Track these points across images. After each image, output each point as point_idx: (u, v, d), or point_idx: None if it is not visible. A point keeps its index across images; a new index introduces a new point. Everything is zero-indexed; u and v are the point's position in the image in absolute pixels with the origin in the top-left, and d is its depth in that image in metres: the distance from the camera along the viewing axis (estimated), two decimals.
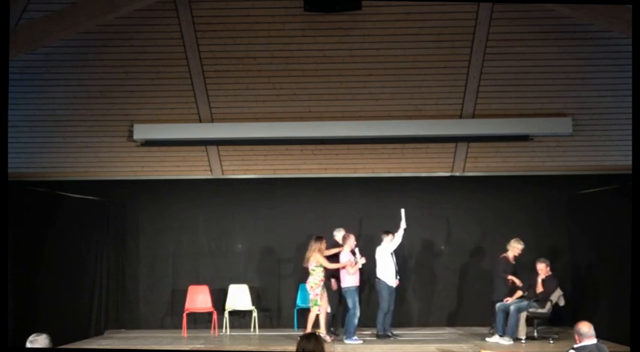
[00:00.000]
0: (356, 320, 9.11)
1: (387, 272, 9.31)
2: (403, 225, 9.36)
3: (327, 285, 9.26)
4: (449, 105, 9.55)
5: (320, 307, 9.01)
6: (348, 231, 10.54)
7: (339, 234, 9.56)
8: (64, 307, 9.43)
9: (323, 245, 9.12)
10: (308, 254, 9.11)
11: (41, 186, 9.64)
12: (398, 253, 9.58)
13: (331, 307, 9.39)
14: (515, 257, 9.33)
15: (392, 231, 9.39)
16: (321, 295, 9.06)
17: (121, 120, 9.67)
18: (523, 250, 9.33)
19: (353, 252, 9.22)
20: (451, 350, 8.43)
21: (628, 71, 7.04)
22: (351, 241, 9.31)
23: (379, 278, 9.35)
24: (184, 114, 9.62)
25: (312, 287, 9.04)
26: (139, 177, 10.46)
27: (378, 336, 9.27)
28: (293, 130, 9.60)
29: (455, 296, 10.66)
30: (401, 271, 9.60)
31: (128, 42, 8.80)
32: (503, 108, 9.57)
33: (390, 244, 9.37)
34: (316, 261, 9.01)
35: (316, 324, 9.06)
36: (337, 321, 9.81)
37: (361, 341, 9.00)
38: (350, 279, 9.17)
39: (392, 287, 9.32)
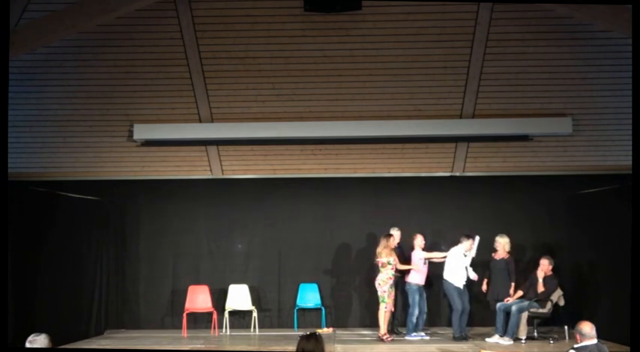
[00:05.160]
0: (414, 319, 9.21)
1: (455, 273, 9.22)
2: (473, 253, 9.32)
3: (396, 283, 9.29)
4: (449, 105, 9.54)
5: (387, 304, 9.05)
6: (351, 230, 10.60)
7: (396, 233, 9.53)
8: (64, 307, 9.45)
9: (391, 242, 9.15)
10: (378, 250, 9.12)
11: (41, 186, 9.64)
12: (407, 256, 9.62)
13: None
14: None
15: (472, 235, 9.36)
16: (389, 293, 9.08)
17: (121, 120, 9.66)
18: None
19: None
20: (451, 350, 8.44)
21: (628, 71, 7.02)
22: (419, 240, 9.42)
23: (445, 280, 9.30)
24: (184, 114, 9.61)
25: (379, 284, 9.08)
26: (139, 177, 10.45)
27: (454, 338, 9.16)
28: (293, 130, 9.59)
29: None
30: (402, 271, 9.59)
31: (128, 42, 8.79)
32: (503, 108, 9.55)
33: (463, 257, 9.28)
34: (386, 258, 9.01)
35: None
36: (396, 317, 9.80)
37: (422, 338, 9.17)
38: (413, 277, 9.28)
39: (460, 287, 9.24)
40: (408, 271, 9.38)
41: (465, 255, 9.30)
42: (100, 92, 9.34)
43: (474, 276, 9.33)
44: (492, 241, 9.55)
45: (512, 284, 9.28)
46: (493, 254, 9.42)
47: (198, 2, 8.40)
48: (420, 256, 9.34)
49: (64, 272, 9.57)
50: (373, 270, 9.41)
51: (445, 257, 9.38)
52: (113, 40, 8.74)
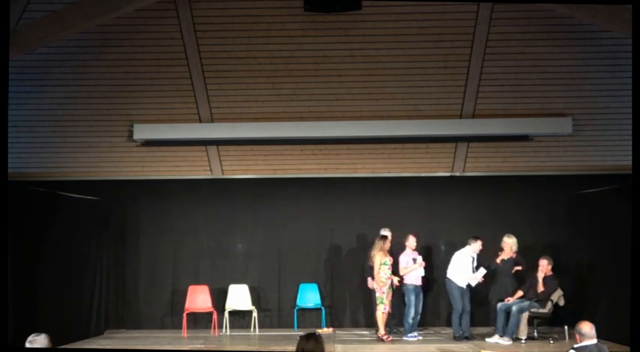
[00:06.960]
0: (410, 320, 9.20)
1: (459, 273, 9.23)
2: (479, 276, 9.28)
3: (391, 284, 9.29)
4: (449, 105, 9.54)
5: (385, 305, 9.04)
6: (351, 230, 10.56)
7: (386, 234, 9.51)
8: (64, 307, 9.45)
9: (387, 244, 9.14)
10: (373, 252, 9.14)
11: (41, 186, 9.64)
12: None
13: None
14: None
15: (481, 237, 9.38)
16: (387, 294, 9.08)
17: (121, 120, 9.66)
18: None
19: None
20: (451, 350, 8.44)
21: (628, 71, 7.03)
22: (411, 241, 9.42)
23: (449, 278, 9.30)
24: (184, 114, 9.61)
25: (378, 285, 9.06)
26: (139, 177, 10.44)
27: (454, 338, 9.17)
28: (293, 130, 9.59)
29: None
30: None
31: (128, 42, 8.79)
32: (503, 108, 9.55)
33: (470, 259, 9.29)
34: (381, 260, 9.00)
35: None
36: (394, 317, 9.81)
37: (418, 338, 9.15)
38: (409, 277, 9.26)
39: (463, 287, 9.24)
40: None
41: (473, 257, 9.32)
42: (100, 92, 9.34)
43: (480, 277, 9.32)
44: (492, 241, 9.56)
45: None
46: (500, 253, 9.38)
47: (198, 2, 8.41)
48: (403, 264, 9.31)
49: (64, 273, 9.57)
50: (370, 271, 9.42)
51: (417, 268, 9.33)
52: (113, 40, 8.75)
